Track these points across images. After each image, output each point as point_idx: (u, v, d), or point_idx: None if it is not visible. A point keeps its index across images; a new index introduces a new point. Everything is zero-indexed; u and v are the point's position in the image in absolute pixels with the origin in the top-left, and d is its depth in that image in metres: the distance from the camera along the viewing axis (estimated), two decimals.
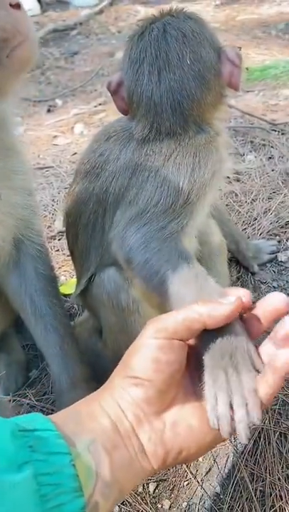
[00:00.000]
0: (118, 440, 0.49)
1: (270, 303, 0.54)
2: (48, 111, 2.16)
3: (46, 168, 1.74)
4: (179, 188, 0.77)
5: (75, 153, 1.81)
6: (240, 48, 0.85)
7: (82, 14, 3.40)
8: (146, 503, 0.84)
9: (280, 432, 0.90)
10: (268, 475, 0.84)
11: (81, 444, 0.46)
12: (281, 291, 1.20)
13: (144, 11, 3.38)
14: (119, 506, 0.83)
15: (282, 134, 1.82)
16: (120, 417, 0.50)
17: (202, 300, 0.56)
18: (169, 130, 0.78)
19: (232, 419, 0.52)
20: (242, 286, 1.23)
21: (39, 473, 0.42)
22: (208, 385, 0.54)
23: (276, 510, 0.80)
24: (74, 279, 1.19)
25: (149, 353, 0.51)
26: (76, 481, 0.43)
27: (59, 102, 2.23)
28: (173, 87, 0.76)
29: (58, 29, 3.11)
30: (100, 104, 2.15)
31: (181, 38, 0.76)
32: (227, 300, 0.54)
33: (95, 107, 2.13)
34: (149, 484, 0.86)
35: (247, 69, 2.26)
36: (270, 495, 0.82)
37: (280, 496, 0.81)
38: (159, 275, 0.72)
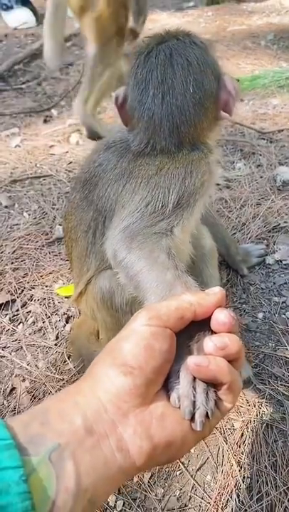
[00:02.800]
0: (91, 442, 0.44)
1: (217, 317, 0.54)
2: (45, 121, 2.21)
3: (44, 176, 1.79)
4: (170, 193, 0.81)
5: (71, 162, 1.87)
6: (238, 80, 0.90)
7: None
8: (141, 491, 0.89)
9: (267, 424, 0.95)
10: (255, 463, 0.90)
11: (42, 452, 0.41)
12: (269, 292, 1.27)
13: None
14: (116, 495, 0.89)
15: (271, 142, 1.89)
16: (99, 412, 0.46)
17: (190, 291, 0.57)
18: (164, 148, 0.83)
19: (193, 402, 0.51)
20: (232, 287, 1.29)
21: None
22: (174, 363, 0.53)
23: (262, 495, 0.85)
24: (72, 284, 1.24)
25: (141, 339, 0.48)
26: (27, 500, 0.38)
27: (55, 112, 2.28)
28: (174, 111, 0.81)
29: None
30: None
31: (186, 66, 0.80)
32: (212, 291, 0.55)
33: None
34: (144, 474, 0.91)
35: (238, 80, 2.33)
36: (257, 481, 0.87)
37: (266, 482, 0.87)
38: (140, 264, 0.74)
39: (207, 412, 0.50)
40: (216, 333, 0.53)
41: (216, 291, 0.54)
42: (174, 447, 0.49)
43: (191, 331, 0.53)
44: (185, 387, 0.50)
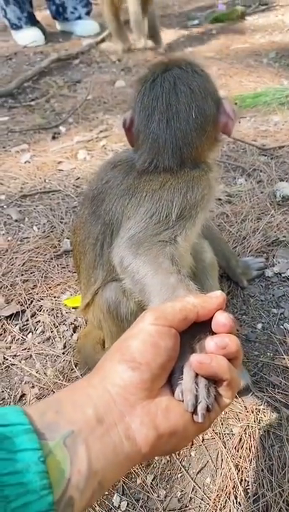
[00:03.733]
0: (101, 430, 0.48)
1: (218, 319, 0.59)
2: (53, 138, 2.28)
3: (52, 191, 1.86)
4: (173, 205, 0.87)
5: (79, 178, 1.94)
6: (236, 103, 0.97)
7: (84, 44, 3.57)
8: (144, 493, 0.94)
9: (264, 429, 1.00)
10: (252, 466, 0.94)
11: (57, 437, 0.46)
12: (268, 303, 1.32)
13: (144, 41, 3.56)
14: (120, 496, 0.94)
15: (271, 158, 1.95)
16: (108, 403, 0.50)
17: (194, 294, 0.61)
18: (167, 167, 0.90)
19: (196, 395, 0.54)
20: (232, 299, 1.35)
21: (2, 473, 0.41)
22: (178, 361, 0.57)
23: (259, 496, 0.90)
24: (79, 295, 1.30)
25: (148, 337, 0.52)
26: (45, 478, 0.42)
27: (63, 129, 2.36)
28: (177, 135, 0.88)
29: (61, 58, 3.27)
30: (101, 132, 2.28)
31: (189, 94, 0.88)
32: (214, 295, 0.59)
33: (97, 134, 2.26)
34: (147, 476, 0.96)
35: (236, 103, 2.40)
36: (254, 484, 0.92)
37: (263, 485, 0.91)
38: (145, 269, 0.79)
39: (208, 406, 0.55)
40: (216, 333, 0.57)
41: (217, 295, 0.59)
42: (177, 437, 0.53)
43: (193, 331, 0.57)
44: (188, 383, 0.55)
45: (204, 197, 0.91)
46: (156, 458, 0.99)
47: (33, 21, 3.75)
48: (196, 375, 0.56)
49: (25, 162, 2.08)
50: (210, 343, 0.56)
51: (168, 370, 0.55)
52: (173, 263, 0.79)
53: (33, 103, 2.69)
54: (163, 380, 0.55)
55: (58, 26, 3.98)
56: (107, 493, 0.94)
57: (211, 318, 0.58)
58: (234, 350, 0.56)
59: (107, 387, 0.51)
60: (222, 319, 0.57)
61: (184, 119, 0.88)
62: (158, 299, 0.75)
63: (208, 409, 0.55)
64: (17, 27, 3.71)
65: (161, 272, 0.78)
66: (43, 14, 4.26)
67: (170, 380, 0.56)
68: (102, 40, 3.63)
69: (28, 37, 3.69)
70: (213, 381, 0.57)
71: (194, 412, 0.55)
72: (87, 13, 3.85)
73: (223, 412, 0.89)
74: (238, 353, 0.56)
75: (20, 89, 2.87)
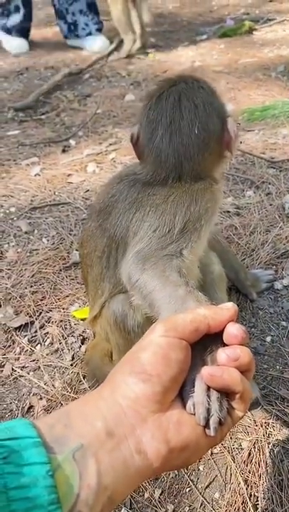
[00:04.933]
0: (111, 444, 0.47)
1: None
2: (63, 151, 2.31)
3: (62, 204, 1.88)
4: (176, 218, 0.88)
5: (88, 190, 1.95)
6: (240, 122, 0.98)
7: (93, 58, 3.63)
8: (152, 507, 0.93)
9: (273, 444, 0.99)
10: (261, 482, 0.93)
11: (66, 451, 0.45)
12: (277, 316, 1.31)
13: (153, 55, 3.61)
14: (127, 511, 0.93)
15: (280, 171, 1.96)
16: (119, 416, 0.49)
17: (205, 306, 0.61)
18: (169, 180, 0.91)
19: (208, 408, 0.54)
20: (241, 311, 1.34)
21: (10, 488, 0.40)
22: (189, 373, 0.56)
23: None
24: (87, 307, 1.31)
25: (159, 349, 0.51)
26: (53, 493, 0.41)
27: (73, 142, 2.38)
28: (179, 150, 0.89)
29: (72, 73, 3.32)
30: (110, 145, 2.30)
31: (193, 109, 0.89)
32: (225, 306, 0.58)
33: (107, 147, 2.28)
34: (155, 490, 0.95)
35: (238, 123, 2.41)
36: (263, 499, 0.91)
37: (272, 500, 0.90)
38: (153, 283, 0.79)
39: (220, 419, 0.54)
40: (228, 345, 0.56)
41: (229, 307, 0.58)
42: (188, 451, 0.52)
43: (204, 343, 0.57)
44: (200, 396, 0.54)
45: (208, 210, 0.91)
46: (164, 472, 0.98)
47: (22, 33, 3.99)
48: (208, 387, 0.55)
49: (35, 175, 2.10)
50: (221, 354, 0.55)
51: (179, 382, 0.54)
52: (181, 275, 0.79)
53: (43, 117, 2.73)
54: (174, 393, 0.54)
55: (68, 42, 4.05)
56: (115, 507, 0.93)
57: (223, 329, 0.57)
58: (246, 361, 0.55)
59: (117, 399, 0.50)
60: (234, 331, 0.56)
61: (187, 134, 0.89)
62: (167, 312, 0.75)
63: (220, 423, 0.54)
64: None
65: (169, 285, 0.78)
66: (53, 30, 4.34)
67: (181, 392, 0.55)
68: (110, 54, 3.70)
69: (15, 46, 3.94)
70: (226, 394, 0.56)
71: (206, 425, 0.54)
72: (98, 30, 3.91)
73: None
74: (250, 365, 0.56)
75: (31, 103, 2.91)
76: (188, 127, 0.88)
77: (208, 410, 0.53)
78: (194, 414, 0.53)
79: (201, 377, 0.54)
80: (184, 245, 0.86)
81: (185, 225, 0.87)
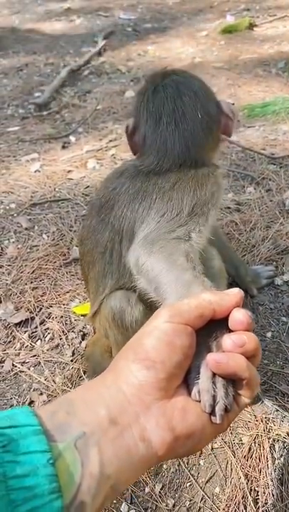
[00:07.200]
0: (115, 432, 0.46)
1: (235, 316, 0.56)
2: (63, 147, 2.30)
3: (62, 200, 1.87)
4: (184, 202, 0.88)
5: (88, 187, 1.95)
6: (234, 103, 1.02)
7: (93, 51, 3.61)
8: (152, 502, 0.93)
9: (274, 439, 0.99)
10: (261, 476, 0.93)
11: (68, 439, 0.43)
12: (277, 312, 1.31)
13: (152, 51, 3.60)
14: (128, 505, 0.93)
15: (281, 167, 1.95)
16: (122, 404, 0.48)
17: (210, 291, 0.58)
18: (174, 168, 0.92)
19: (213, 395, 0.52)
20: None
21: (9, 477, 0.39)
22: (194, 359, 0.55)
23: (268, 507, 0.89)
24: (87, 303, 1.31)
25: (163, 335, 0.50)
26: (54, 482, 0.40)
27: (73, 138, 2.38)
28: (186, 135, 0.91)
29: (72, 69, 3.32)
30: (110, 141, 2.30)
31: (193, 96, 0.92)
32: (231, 292, 0.55)
33: (107, 143, 2.28)
34: (156, 485, 0.95)
35: (237, 120, 2.41)
36: (264, 493, 0.91)
37: (272, 494, 0.90)
38: (159, 266, 0.79)
39: (226, 406, 0.53)
40: (233, 331, 0.54)
41: (234, 292, 0.55)
42: (194, 439, 0.51)
43: (209, 329, 0.55)
44: (205, 382, 0.53)
45: (214, 194, 0.92)
46: (164, 467, 0.98)
47: None
48: (214, 374, 0.54)
49: (35, 171, 2.10)
50: (227, 340, 0.53)
51: (184, 369, 0.52)
52: (188, 260, 0.79)
53: (43, 113, 2.72)
54: (179, 380, 0.52)
55: None
56: (115, 501, 0.94)
57: (228, 315, 0.55)
58: (252, 347, 0.53)
59: (121, 386, 0.49)
60: (239, 316, 0.54)
61: (191, 119, 0.92)
62: (173, 296, 0.74)
63: (226, 410, 0.53)
64: None
65: (176, 269, 0.77)
66: (52, 26, 4.32)
67: (186, 379, 0.54)
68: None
69: None
70: (232, 380, 0.54)
71: (212, 412, 0.52)
72: None
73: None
74: (256, 351, 0.54)
75: (31, 100, 2.91)
76: (191, 113, 0.91)
77: (214, 397, 0.53)
78: (200, 402, 0.52)
79: (207, 363, 0.53)
80: (193, 228, 0.86)
81: (193, 209, 0.88)
